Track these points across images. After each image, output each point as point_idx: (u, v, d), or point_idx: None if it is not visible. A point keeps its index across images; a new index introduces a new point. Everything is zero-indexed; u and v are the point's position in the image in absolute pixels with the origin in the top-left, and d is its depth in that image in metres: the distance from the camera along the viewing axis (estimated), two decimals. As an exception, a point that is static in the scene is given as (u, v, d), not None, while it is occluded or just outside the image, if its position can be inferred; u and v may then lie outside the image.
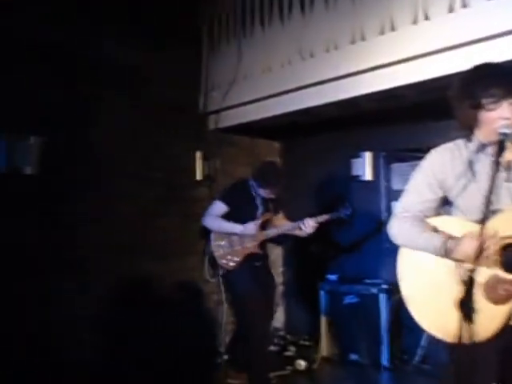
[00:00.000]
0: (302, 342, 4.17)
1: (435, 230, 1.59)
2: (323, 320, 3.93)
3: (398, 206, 1.71)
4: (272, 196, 3.20)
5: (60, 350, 2.93)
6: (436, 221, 1.62)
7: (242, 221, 3.08)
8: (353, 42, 2.92)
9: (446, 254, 1.50)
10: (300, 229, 3.15)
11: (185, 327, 3.74)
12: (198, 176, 3.95)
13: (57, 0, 3.05)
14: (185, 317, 3.75)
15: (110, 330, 3.26)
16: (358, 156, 4.14)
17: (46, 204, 2.95)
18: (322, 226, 3.20)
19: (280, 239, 3.36)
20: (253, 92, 3.69)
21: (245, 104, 3.79)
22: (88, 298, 3.14)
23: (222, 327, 3.48)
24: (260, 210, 3.20)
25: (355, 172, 4.19)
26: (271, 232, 3.18)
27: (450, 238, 1.51)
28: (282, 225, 3.24)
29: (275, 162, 3.50)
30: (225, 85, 3.88)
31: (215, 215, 3.13)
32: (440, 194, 1.63)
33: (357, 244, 4.16)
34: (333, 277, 4.03)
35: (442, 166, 1.60)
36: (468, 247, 1.42)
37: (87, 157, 3.20)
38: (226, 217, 3.12)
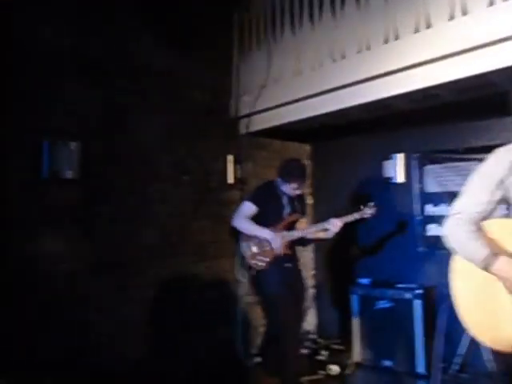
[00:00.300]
0: (333, 346, 4.12)
1: (489, 239, 1.54)
2: (355, 324, 3.87)
3: (453, 207, 1.69)
4: (298, 192, 3.21)
5: (99, 350, 3.00)
6: (494, 224, 1.58)
7: (269, 220, 3.13)
8: (386, 41, 2.88)
9: (487, 270, 1.47)
10: (325, 230, 3.21)
11: (216, 329, 3.78)
12: (230, 179, 3.99)
13: (93, 14, 3.15)
14: (217, 318, 3.79)
15: (147, 330, 3.32)
16: (389, 158, 4.09)
17: (86, 207, 3.03)
18: (346, 227, 3.22)
19: (303, 241, 3.37)
20: (283, 95, 3.70)
21: (275, 107, 3.80)
22: (126, 299, 3.20)
23: (255, 329, 3.48)
24: (286, 209, 3.23)
25: (387, 174, 4.14)
26: (296, 233, 3.20)
27: (494, 254, 1.47)
28: (307, 227, 3.33)
29: (299, 159, 3.49)
30: (255, 89, 3.91)
31: (244, 216, 3.18)
32: (498, 197, 1.59)
33: (389, 247, 4.10)
34: (365, 281, 3.97)
35: (502, 167, 1.56)
36: (506, 271, 1.38)
37: (124, 161, 3.28)
38: (255, 217, 3.17)
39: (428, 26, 2.67)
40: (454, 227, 1.62)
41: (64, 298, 2.88)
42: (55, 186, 2.88)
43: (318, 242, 3.70)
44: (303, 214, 3.41)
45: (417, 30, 2.72)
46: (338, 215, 3.22)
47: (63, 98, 2.98)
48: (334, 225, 3.13)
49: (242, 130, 4.07)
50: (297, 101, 3.61)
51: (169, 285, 3.48)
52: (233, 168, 4.02)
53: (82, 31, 3.10)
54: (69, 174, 2.87)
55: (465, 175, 3.48)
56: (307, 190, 4.48)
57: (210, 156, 3.89)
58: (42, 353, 2.72)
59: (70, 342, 2.87)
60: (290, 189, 3.19)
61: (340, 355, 3.93)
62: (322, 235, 3.30)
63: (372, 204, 3.31)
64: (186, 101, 3.74)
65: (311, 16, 3.49)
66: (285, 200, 3.23)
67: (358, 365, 3.80)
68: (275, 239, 3.09)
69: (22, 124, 2.77)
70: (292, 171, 3.16)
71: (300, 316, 3.34)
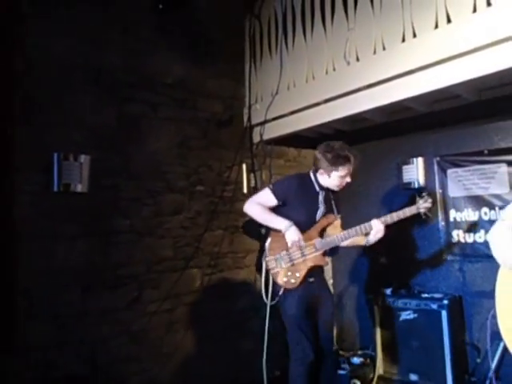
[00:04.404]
0: (356, 360, 3.96)
1: None
2: (378, 336, 3.72)
3: (502, 213, 1.65)
4: (348, 180, 2.61)
5: (113, 364, 2.95)
6: None
7: (298, 221, 2.54)
8: (403, 39, 2.78)
9: None
10: (365, 235, 2.64)
11: (235, 341, 3.68)
12: (245, 189, 3.92)
13: (106, 26, 3.16)
14: (235, 330, 3.69)
15: (162, 344, 3.25)
16: (409, 162, 3.95)
17: (97, 220, 3.00)
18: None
19: (334, 249, 2.73)
20: (297, 102, 3.63)
21: (289, 114, 3.74)
22: (140, 312, 3.15)
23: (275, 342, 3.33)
24: (321, 210, 2.65)
25: (406, 179, 4.00)
26: (331, 241, 2.59)
27: None
28: (344, 231, 2.64)
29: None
30: (268, 96, 3.87)
31: (258, 202, 2.63)
32: None
33: (412, 255, 3.94)
34: (387, 290, 3.82)
35: None
36: None
37: (136, 173, 3.24)
38: (278, 213, 2.62)
39: (449, 21, 2.55)
40: (497, 235, 1.54)
41: (77, 312, 2.84)
42: (66, 199, 2.85)
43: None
44: (338, 214, 2.78)
45: (436, 26, 2.61)
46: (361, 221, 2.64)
47: (75, 110, 2.97)
48: (378, 229, 2.54)
49: (256, 139, 4.02)
50: (310, 107, 3.54)
51: (184, 297, 3.41)
52: (248, 177, 3.95)
53: (95, 43, 3.10)
54: (79, 188, 2.85)
55: (491, 178, 3.41)
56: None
57: (224, 166, 3.83)
58: (56, 369, 2.68)
59: (84, 356, 2.83)
60: (336, 180, 2.57)
61: (363, 369, 3.76)
62: (360, 241, 2.72)
63: (425, 194, 2.69)
64: (199, 110, 3.71)
65: (323, 20, 3.42)
66: (321, 198, 2.64)
67: (382, 378, 3.64)
68: (292, 232, 2.50)
69: (32, 136, 2.76)
70: (340, 153, 2.52)
71: (327, 338, 2.79)
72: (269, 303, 2.60)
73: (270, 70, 3.91)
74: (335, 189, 2.68)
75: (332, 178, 2.60)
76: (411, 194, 3.89)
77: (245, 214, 3.66)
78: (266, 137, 3.96)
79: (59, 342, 2.73)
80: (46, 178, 2.77)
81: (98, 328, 2.91)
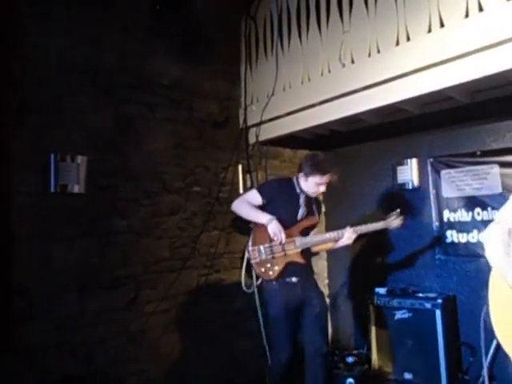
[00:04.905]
0: (351, 359, 3.99)
1: None
2: (373, 335, 3.76)
3: (496, 215, 1.71)
4: (322, 189, 2.84)
5: (110, 365, 2.96)
6: None
7: (281, 221, 2.74)
8: (397, 43, 2.81)
9: None
10: (335, 241, 2.88)
11: (232, 341, 3.70)
12: (241, 189, 3.94)
13: (104, 26, 3.17)
14: (231, 331, 3.71)
15: (159, 344, 3.26)
16: (403, 163, 4.00)
17: (95, 220, 3.01)
18: (361, 237, 2.92)
19: (309, 250, 2.94)
20: (293, 103, 3.66)
21: (285, 116, 3.76)
22: (137, 313, 3.17)
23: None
24: (302, 211, 2.84)
25: (401, 180, 4.04)
26: (310, 240, 2.84)
27: None
28: (323, 234, 2.98)
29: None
30: (264, 98, 3.89)
31: (245, 201, 2.85)
32: None
33: (406, 255, 3.99)
34: (382, 290, 3.85)
35: None
36: None
37: (133, 173, 3.25)
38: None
39: (442, 25, 2.60)
40: (492, 237, 1.58)
41: (74, 313, 2.85)
42: (63, 199, 2.86)
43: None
44: (319, 214, 3.05)
45: (429, 30, 2.65)
46: (355, 224, 2.90)
47: (72, 111, 2.97)
48: (348, 236, 2.81)
49: (252, 140, 4.04)
50: (306, 108, 3.56)
51: (180, 298, 3.42)
52: (243, 178, 3.97)
53: (93, 44, 3.11)
54: (76, 188, 2.86)
55: (483, 179, 3.46)
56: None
57: (220, 166, 3.85)
58: (53, 369, 2.69)
59: (82, 356, 2.83)
60: (312, 185, 2.80)
61: (358, 368, 3.80)
62: (330, 246, 2.96)
63: (398, 212, 2.96)
64: (195, 111, 3.72)
65: (319, 22, 3.45)
66: (302, 200, 2.85)
67: (377, 377, 3.68)
68: (274, 224, 2.70)
69: (29, 137, 2.76)
70: (320, 163, 2.79)
71: (321, 333, 2.86)
72: (246, 290, 2.84)
73: (265, 71, 3.93)
74: (311, 194, 2.89)
75: (309, 183, 2.83)
76: (406, 194, 3.97)
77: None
78: (261, 138, 3.97)
79: (57, 342, 2.74)
80: (43, 179, 2.78)
81: (95, 328, 2.92)
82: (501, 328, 1.55)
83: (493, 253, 1.57)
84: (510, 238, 1.56)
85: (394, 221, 2.98)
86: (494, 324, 1.57)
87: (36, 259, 2.72)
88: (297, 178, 2.90)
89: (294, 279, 2.78)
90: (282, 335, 2.73)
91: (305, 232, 2.85)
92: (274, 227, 2.71)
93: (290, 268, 2.76)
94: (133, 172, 3.25)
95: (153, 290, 3.27)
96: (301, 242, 2.79)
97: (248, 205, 2.82)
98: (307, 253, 2.87)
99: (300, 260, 2.78)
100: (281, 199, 2.83)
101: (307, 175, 2.81)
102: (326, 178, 2.80)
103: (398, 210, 2.99)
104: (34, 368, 2.61)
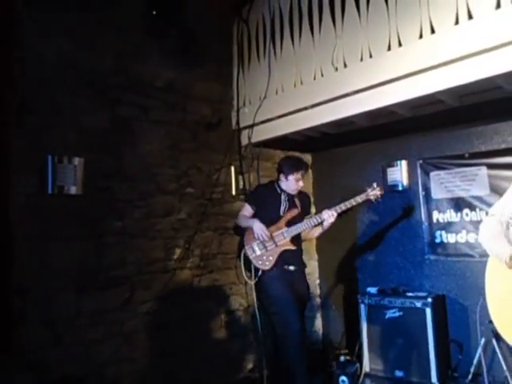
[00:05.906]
0: (342, 358, 4.05)
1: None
2: (364, 334, 3.81)
3: (491, 209, 1.85)
4: (301, 184, 3.23)
5: (106, 364, 2.97)
6: None
7: (268, 218, 3.15)
8: (389, 48, 2.88)
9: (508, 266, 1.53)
10: (320, 224, 3.17)
11: (225, 341, 3.73)
12: (234, 190, 3.97)
13: (99, 28, 3.18)
14: (224, 330, 3.74)
15: (153, 344, 3.27)
16: (393, 165, 4.07)
17: (90, 222, 3.02)
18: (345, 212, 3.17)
19: (298, 237, 3.25)
20: (285, 106, 3.70)
21: (277, 118, 3.80)
22: (132, 313, 3.18)
23: (264, 340, 3.39)
24: (284, 206, 3.22)
25: (390, 182, 4.11)
26: (295, 228, 3.14)
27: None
28: (304, 221, 3.22)
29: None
30: (257, 100, 3.92)
31: (243, 215, 3.30)
32: None
33: (396, 255, 4.06)
34: (373, 289, 3.92)
35: None
36: None
37: (128, 175, 3.26)
38: (255, 216, 3.24)
39: (432, 32, 2.67)
40: (485, 226, 1.75)
41: (71, 314, 2.85)
42: (60, 201, 2.86)
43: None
44: (307, 213, 3.37)
45: (420, 36, 2.72)
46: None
47: (69, 113, 2.98)
48: (327, 216, 3.09)
49: (245, 141, 4.07)
50: (298, 111, 3.61)
51: (174, 298, 3.44)
52: (236, 179, 4.00)
53: (90, 46, 3.12)
54: (73, 190, 2.87)
55: (472, 180, 3.55)
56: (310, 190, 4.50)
57: (214, 168, 3.88)
58: (51, 369, 2.70)
59: (78, 357, 2.84)
60: (292, 182, 3.20)
61: (350, 366, 3.85)
62: (318, 229, 3.27)
63: (375, 184, 3.20)
64: (188, 113, 3.74)
65: (311, 27, 3.50)
66: (283, 197, 3.24)
67: (368, 375, 3.73)
68: (256, 225, 3.11)
69: (27, 138, 2.76)
70: (293, 162, 3.25)
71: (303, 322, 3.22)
72: (249, 281, 3.15)
73: (258, 74, 3.96)
74: (292, 191, 3.25)
75: (289, 181, 3.22)
76: (397, 195, 4.04)
77: (234, 216, 3.75)
78: (254, 139, 4.00)
79: (54, 342, 2.74)
80: (41, 180, 2.78)
81: (91, 329, 2.92)
82: (499, 318, 1.62)
83: (484, 236, 1.71)
84: (504, 228, 1.68)
85: (373, 192, 3.18)
86: (491, 313, 1.67)
87: (35, 259, 2.72)
88: (277, 181, 3.30)
89: (291, 267, 3.16)
90: (290, 310, 3.00)
91: (291, 223, 3.18)
92: (256, 228, 3.13)
93: (284, 256, 3.13)
94: (128, 173, 3.27)
95: (147, 290, 3.29)
96: (287, 232, 3.15)
97: (244, 218, 3.28)
98: (297, 240, 3.22)
99: (291, 247, 3.15)
100: (266, 200, 3.24)
101: (287, 174, 3.21)
102: (302, 173, 3.23)
103: (375, 184, 3.22)
104: (34, 368, 2.61)
